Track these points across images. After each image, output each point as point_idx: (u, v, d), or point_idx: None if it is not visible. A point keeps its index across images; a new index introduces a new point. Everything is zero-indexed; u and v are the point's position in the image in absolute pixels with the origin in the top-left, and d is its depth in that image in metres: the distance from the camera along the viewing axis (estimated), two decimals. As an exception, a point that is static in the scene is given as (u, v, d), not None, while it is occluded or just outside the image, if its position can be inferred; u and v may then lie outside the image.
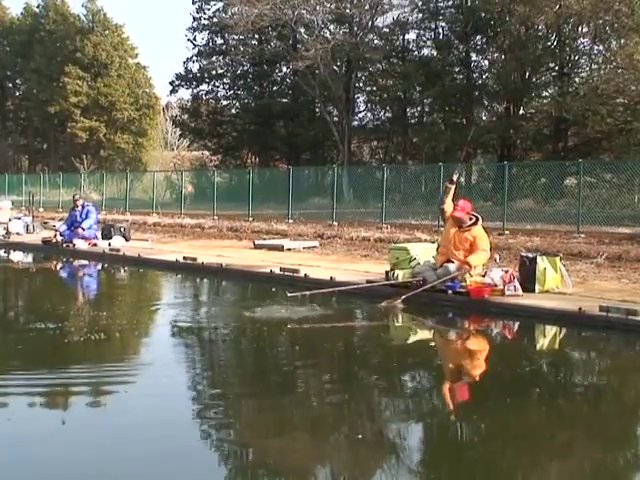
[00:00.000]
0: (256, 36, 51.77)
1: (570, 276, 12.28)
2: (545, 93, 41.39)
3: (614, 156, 35.29)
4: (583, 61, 40.58)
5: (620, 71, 30.69)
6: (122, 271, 17.53)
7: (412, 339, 9.95)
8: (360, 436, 5.83)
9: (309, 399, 6.91)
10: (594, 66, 38.29)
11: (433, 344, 9.88)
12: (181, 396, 6.70)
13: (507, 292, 11.26)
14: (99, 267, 18.43)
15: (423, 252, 12.83)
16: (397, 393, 7.19)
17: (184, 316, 10.62)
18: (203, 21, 54.52)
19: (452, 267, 11.75)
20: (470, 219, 12.12)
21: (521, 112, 41.51)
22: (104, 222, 24.50)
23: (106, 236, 21.11)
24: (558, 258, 12.11)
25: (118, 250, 18.87)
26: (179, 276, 16.23)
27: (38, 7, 66.02)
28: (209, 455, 5.45)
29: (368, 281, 12.63)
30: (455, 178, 12.28)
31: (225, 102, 57.08)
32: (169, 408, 6.37)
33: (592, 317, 9.85)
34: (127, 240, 21.31)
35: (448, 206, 12.30)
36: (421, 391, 7.37)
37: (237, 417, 6.40)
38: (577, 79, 39.06)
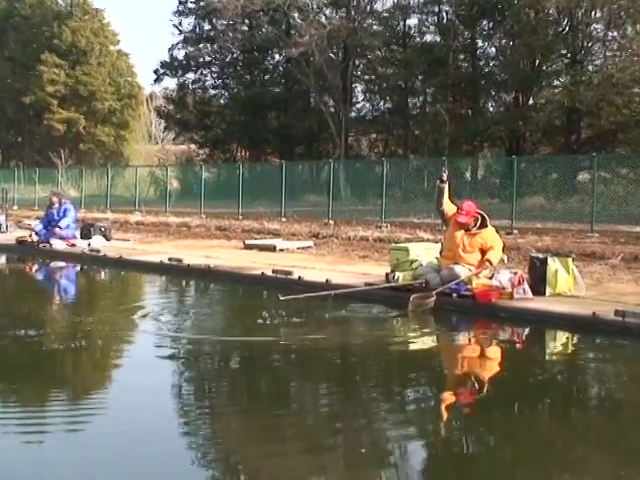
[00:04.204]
0: (246, 21, 51.83)
1: (583, 278, 12.26)
2: (556, 82, 41.46)
3: (630, 149, 35.38)
4: (597, 48, 40.67)
5: (636, 59, 30.75)
6: (102, 274, 17.49)
7: (412, 347, 9.89)
8: (363, 450, 5.81)
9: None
10: (608, 53, 38.37)
11: (435, 352, 9.83)
12: (164, 429, 6.28)
13: (516, 295, 11.24)
14: (77, 269, 18.39)
15: (425, 253, 12.81)
16: (404, 405, 7.14)
17: (168, 327, 10.33)
18: (189, 5, 54.63)
19: (459, 269, 11.75)
20: (476, 220, 12.12)
21: (531, 102, 41.61)
22: (83, 221, 24.43)
23: (85, 236, 21.05)
24: (570, 259, 12.10)
25: (98, 251, 18.83)
26: (164, 279, 16.19)
27: (12, -10, 66.03)
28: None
29: (367, 284, 12.60)
30: (445, 177, 12.26)
31: (213, 92, 57.20)
32: (148, 443, 5.96)
33: (607, 322, 9.82)
34: (108, 240, 21.26)
35: (447, 207, 12.31)
36: (426, 403, 7.32)
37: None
38: (590, 67, 39.15)
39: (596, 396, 7.81)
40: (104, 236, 21.33)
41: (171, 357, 8.74)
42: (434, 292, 11.46)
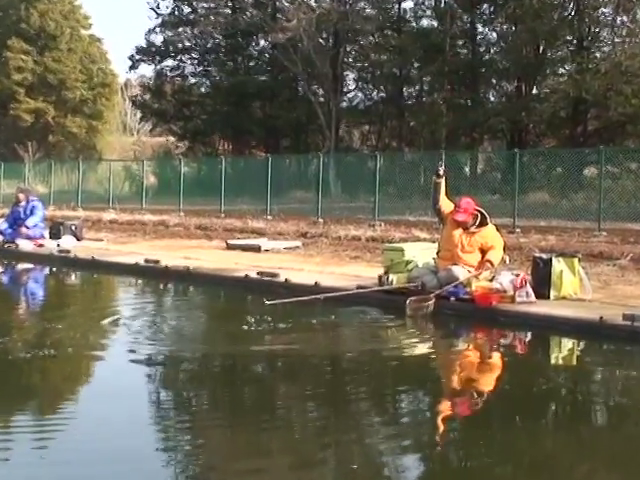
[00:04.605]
0: (229, 3, 51.86)
1: (590, 280, 12.30)
2: (561, 70, 41.56)
3: (640, 142, 35.47)
4: (605, 33, 40.76)
5: (647, 45, 30.86)
6: (73, 276, 17.46)
7: (408, 352, 9.90)
8: (355, 466, 5.82)
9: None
10: (617, 39, 38.44)
11: (432, 361, 9.82)
12: (140, 445, 6.17)
13: (518, 299, 11.27)
14: (46, 271, 18.35)
15: (422, 253, 12.84)
16: (399, 420, 7.12)
17: (143, 335, 10.20)
18: (168, -14, 54.51)
19: (457, 270, 11.78)
20: (475, 218, 12.15)
21: (534, 92, 41.68)
22: (52, 219, 24.34)
23: (54, 235, 20.99)
24: (576, 260, 12.13)
25: (68, 251, 18.79)
26: (139, 282, 16.16)
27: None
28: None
29: (358, 287, 12.61)
30: (442, 171, 12.29)
31: (193, 80, 57.14)
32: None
33: (615, 327, 9.87)
34: (79, 240, 21.21)
35: (444, 204, 12.33)
36: (423, 418, 7.29)
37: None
38: (598, 54, 39.25)
39: (604, 408, 7.81)
40: (75, 236, 21.27)
41: (146, 368, 8.63)
42: (432, 295, 11.48)
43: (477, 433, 6.67)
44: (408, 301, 11.32)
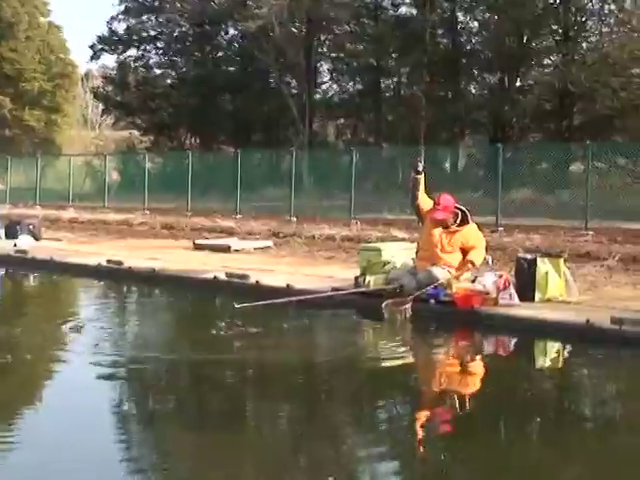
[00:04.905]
0: (197, -10, 51.62)
1: (576, 281, 12.35)
2: (546, 61, 41.77)
3: (629, 137, 35.63)
4: (591, 23, 41.01)
5: (636, 35, 31.04)
6: (30, 278, 17.38)
7: (385, 359, 9.87)
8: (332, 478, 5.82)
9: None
10: (604, 29, 38.71)
11: (410, 368, 9.79)
12: (100, 459, 6.06)
13: (501, 301, 11.30)
14: (1, 273, 18.22)
15: (400, 253, 12.86)
16: (376, 430, 7.08)
17: (104, 341, 10.10)
18: (132, -30, 54.29)
19: (437, 271, 11.79)
20: (455, 216, 12.17)
21: (517, 84, 41.84)
22: (8, 218, 24.24)
23: (11, 235, 20.89)
24: (562, 260, 12.18)
25: (26, 252, 18.69)
26: (101, 284, 16.10)
27: None
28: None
29: (333, 289, 12.61)
30: (421, 167, 12.29)
31: (158, 71, 56.93)
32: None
33: (603, 331, 9.90)
34: (37, 240, 21.13)
35: (423, 201, 12.34)
36: (400, 429, 7.25)
37: None
38: (585, 44, 39.48)
39: (591, 417, 7.82)
40: (32, 235, 21.18)
41: (107, 377, 8.49)
42: (409, 297, 11.49)
43: (458, 445, 6.65)
44: (384, 304, 11.32)
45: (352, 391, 8.42)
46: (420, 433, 7.03)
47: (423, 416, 7.65)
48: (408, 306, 11.37)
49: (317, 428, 7.11)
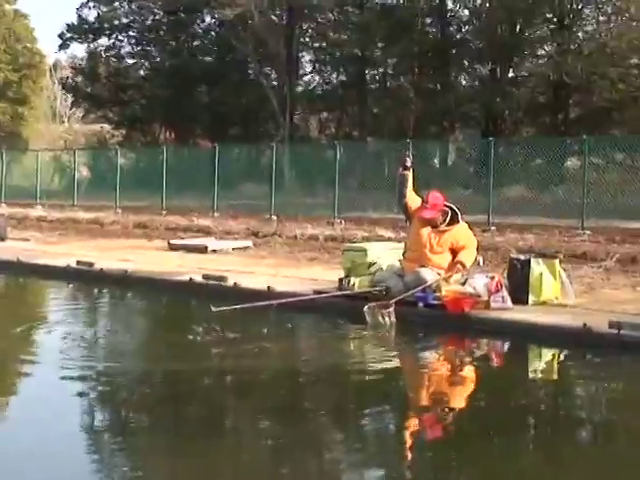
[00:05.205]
0: (171, -25, 51.54)
1: (572, 284, 12.37)
2: (540, 51, 41.89)
3: (627, 131, 35.75)
4: (588, 11, 41.14)
5: (635, 24, 31.14)
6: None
7: (370, 368, 9.84)
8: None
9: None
10: (602, 18, 38.86)
11: (397, 376, 9.80)
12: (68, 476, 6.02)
13: (493, 304, 11.30)
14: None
15: (386, 254, 12.84)
16: (362, 444, 7.05)
17: (73, 348, 9.98)
18: (102, -46, 54.17)
19: (425, 273, 11.78)
20: (445, 214, 12.16)
21: (510, 75, 41.93)
22: (-28, 216, 24.15)
23: (-25, 235, 20.82)
24: (557, 261, 12.20)
25: (-10, 253, 18.63)
26: (71, 286, 16.08)
27: None
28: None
29: (316, 291, 12.59)
30: (409, 163, 12.29)
31: (131, 61, 56.86)
32: None
33: (600, 335, 9.92)
34: (3, 239, 21.09)
35: (411, 199, 12.32)
36: (387, 442, 7.24)
37: None
38: (581, 34, 39.58)
39: (589, 427, 7.80)
40: (-2, 235, 21.12)
41: (75, 387, 8.37)
42: (392, 301, 11.46)
43: (448, 461, 6.64)
44: (366, 308, 11.30)
45: (335, 404, 8.34)
46: (407, 450, 6.94)
47: (409, 431, 7.56)
48: (391, 310, 11.35)
49: (299, 442, 7.05)
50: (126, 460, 6.59)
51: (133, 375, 9.21)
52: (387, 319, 11.29)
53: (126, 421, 7.70)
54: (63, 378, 8.63)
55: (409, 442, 7.07)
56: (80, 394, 8.17)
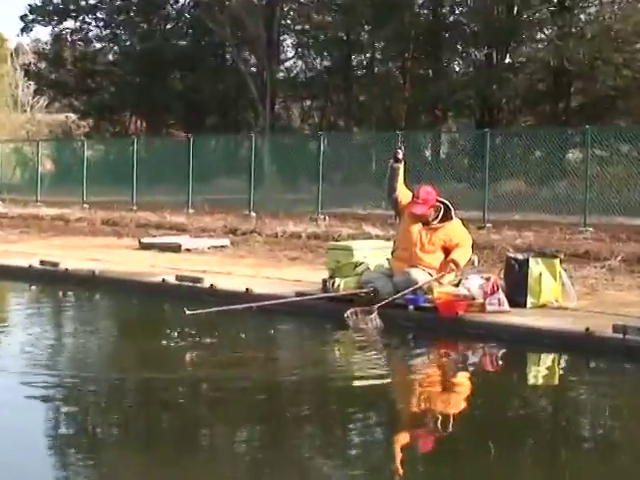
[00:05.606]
0: (142, -48, 51.47)
1: (574, 285, 12.40)
2: (540, 35, 41.85)
3: (632, 120, 35.84)
4: (591, -8, 41.16)
5: (640, 5, 31.19)
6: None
7: (357, 377, 9.82)
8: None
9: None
10: (606, -1, 38.85)
11: (386, 384, 9.75)
12: None
13: (489, 307, 11.32)
14: None
15: (374, 253, 12.84)
16: (349, 462, 7.00)
17: (35, 356, 9.93)
18: None
19: (416, 273, 11.77)
20: (437, 210, 12.14)
21: (507, 61, 41.90)
22: None
23: None
24: (558, 260, 12.22)
25: (-54, 252, 18.59)
26: (34, 288, 16.05)
27: None
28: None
29: (298, 293, 12.59)
30: (401, 154, 12.27)
31: (99, 45, 56.68)
32: None
33: (604, 340, 9.95)
34: (-41, 238, 21.01)
35: (402, 194, 12.30)
36: (375, 458, 7.23)
37: None
38: (583, 16, 39.57)
39: (593, 440, 7.79)
40: (-46, 233, 21.09)
41: (37, 398, 8.33)
42: (375, 306, 11.44)
43: (438, 476, 6.65)
44: (347, 314, 11.30)
45: (317, 417, 8.32)
46: (392, 468, 6.84)
47: (396, 447, 7.46)
48: (373, 316, 11.33)
49: (279, 458, 7.01)
50: (90, 478, 6.57)
51: (100, 385, 9.13)
52: (370, 324, 11.29)
53: (92, 435, 7.63)
54: (24, 388, 8.54)
55: (395, 460, 7.00)
56: (42, 406, 8.13)
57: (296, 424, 8.06)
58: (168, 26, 54.98)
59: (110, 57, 56.38)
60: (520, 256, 12.24)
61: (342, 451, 7.19)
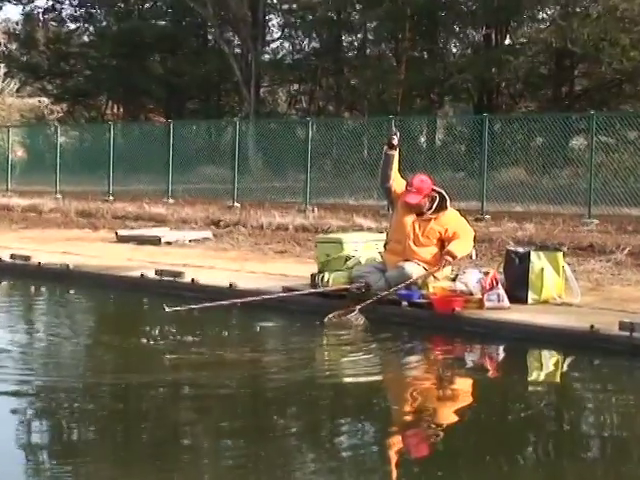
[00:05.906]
0: None
1: (578, 280, 12.42)
2: (542, 15, 41.88)
3: (640, 105, 35.92)
4: (596, -32, 41.19)
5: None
6: None
7: (347, 377, 9.82)
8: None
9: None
10: (611, -24, 38.86)
11: (378, 386, 9.74)
12: None
13: (487, 303, 11.33)
14: None
15: (365, 246, 12.85)
16: (341, 469, 7.01)
17: (5, 358, 9.83)
18: None
19: (410, 267, 11.76)
20: (432, 200, 12.12)
21: (507, 42, 41.95)
22: None
23: None
24: (561, 254, 12.23)
25: None
26: (3, 284, 16.08)
27: None
28: None
29: (285, 289, 12.61)
30: (396, 140, 12.25)
31: (73, 25, 56.65)
32: None
33: (609, 338, 9.97)
34: None
35: (396, 182, 12.29)
36: (367, 463, 7.22)
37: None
38: (587, -6, 39.63)
39: (597, 443, 7.77)
40: None
41: (7, 405, 8.16)
42: (356, 307, 11.42)
43: (443, 475, 6.64)
44: (327, 319, 11.30)
45: (305, 422, 8.26)
46: (395, 462, 6.95)
47: (388, 453, 7.42)
48: (352, 316, 11.32)
49: (263, 467, 6.97)
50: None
51: (74, 389, 9.04)
52: (355, 322, 11.29)
53: (67, 443, 7.55)
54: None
55: (386, 466, 6.97)
56: (11, 412, 8.03)
57: (281, 431, 7.92)
58: (147, 5, 55.00)
59: (85, 38, 56.34)
60: (521, 249, 12.26)
61: (332, 455, 7.17)
